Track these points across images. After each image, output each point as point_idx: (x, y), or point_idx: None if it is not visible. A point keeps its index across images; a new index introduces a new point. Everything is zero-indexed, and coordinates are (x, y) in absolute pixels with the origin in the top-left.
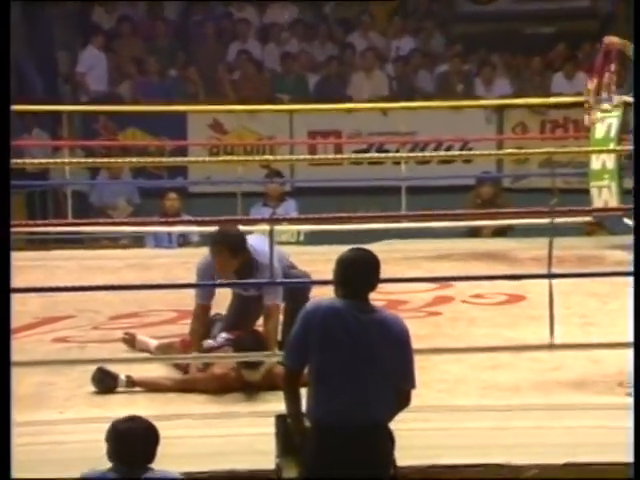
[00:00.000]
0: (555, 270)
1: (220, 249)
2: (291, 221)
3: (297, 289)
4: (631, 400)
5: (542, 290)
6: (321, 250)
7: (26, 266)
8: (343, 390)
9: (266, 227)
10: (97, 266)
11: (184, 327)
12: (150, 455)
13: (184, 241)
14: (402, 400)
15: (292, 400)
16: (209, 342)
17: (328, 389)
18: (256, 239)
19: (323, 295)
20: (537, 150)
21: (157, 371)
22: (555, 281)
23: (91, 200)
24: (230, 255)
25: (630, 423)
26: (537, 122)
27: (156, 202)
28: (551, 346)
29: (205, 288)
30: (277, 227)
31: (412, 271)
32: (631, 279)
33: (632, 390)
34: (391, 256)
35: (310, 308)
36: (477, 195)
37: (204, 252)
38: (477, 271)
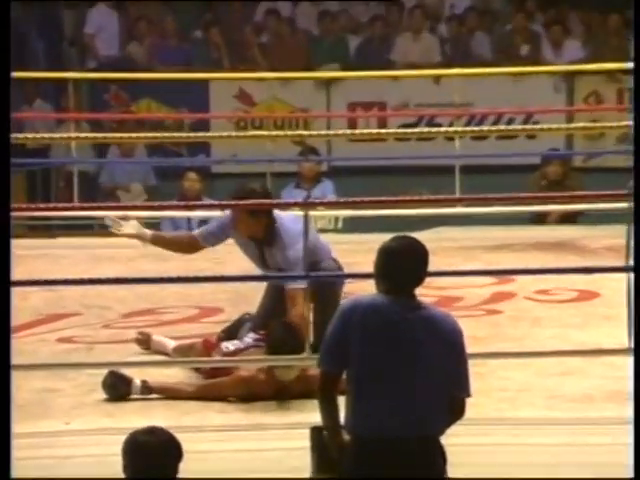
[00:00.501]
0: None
1: (240, 213)
2: (328, 205)
3: (326, 284)
4: None
5: (618, 285)
6: (362, 239)
7: (27, 255)
8: (387, 398)
9: (299, 212)
10: (108, 256)
11: (206, 326)
12: (172, 472)
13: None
14: (455, 410)
15: (328, 410)
16: (235, 342)
17: (369, 397)
18: (289, 215)
19: (363, 291)
20: (613, 124)
21: (176, 376)
22: (633, 275)
23: (100, 181)
24: (248, 214)
25: None
26: (613, 91)
27: (174, 183)
28: (629, 350)
29: (210, 226)
30: (312, 212)
31: (467, 263)
32: None
33: None
34: (442, 245)
35: (348, 305)
36: (543, 175)
37: (229, 241)
38: (542, 263)
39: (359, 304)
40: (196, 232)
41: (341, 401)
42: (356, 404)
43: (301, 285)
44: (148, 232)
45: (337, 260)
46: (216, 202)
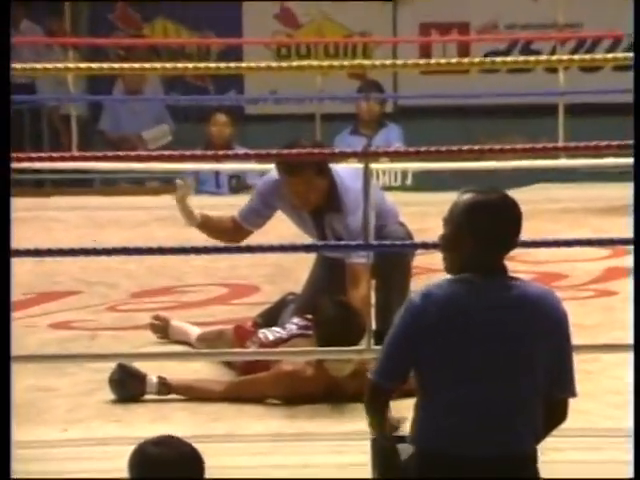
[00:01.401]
0: None
1: (301, 169)
2: (394, 156)
3: (392, 256)
4: None
5: None
6: (436, 198)
7: (13, 218)
8: (469, 405)
9: (358, 165)
10: (113, 219)
11: (239, 309)
12: None
13: (238, 184)
14: (555, 414)
15: (375, 421)
16: (275, 330)
17: (446, 403)
18: (346, 170)
19: (439, 265)
20: None
21: (201, 371)
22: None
23: (102, 126)
24: (315, 172)
25: None
26: None
27: (198, 128)
28: None
29: (252, 205)
30: (374, 165)
31: (572, 230)
32: None
33: None
34: (540, 208)
35: (418, 300)
36: None
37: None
38: None
39: (433, 297)
40: (236, 214)
41: (406, 404)
42: (427, 413)
43: (366, 260)
44: (198, 214)
45: (405, 225)
46: (251, 151)
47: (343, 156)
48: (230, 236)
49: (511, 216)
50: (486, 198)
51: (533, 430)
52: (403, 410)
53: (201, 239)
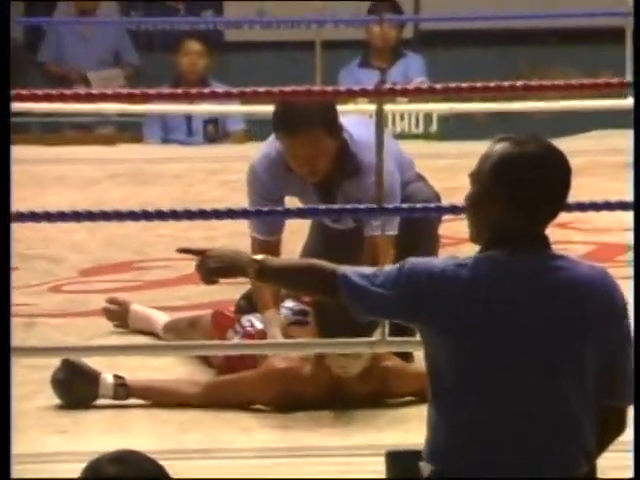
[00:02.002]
0: None
1: (309, 126)
2: (415, 94)
3: (414, 222)
4: None
5: None
6: (468, 149)
7: None
8: (497, 416)
9: (369, 106)
10: (55, 176)
11: (218, 290)
12: None
13: (216, 131)
14: (608, 426)
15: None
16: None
17: (466, 414)
18: (355, 121)
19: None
20: None
21: (169, 369)
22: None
23: (43, 57)
24: (325, 131)
25: None
26: None
27: (165, 59)
28: None
29: (266, 216)
30: (389, 106)
31: None
32: None
33: None
34: (600, 161)
35: (425, 274)
36: None
37: (259, 147)
38: None
39: (447, 277)
40: (253, 232)
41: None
42: (442, 425)
43: (393, 232)
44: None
45: (427, 181)
46: (232, 89)
47: (350, 95)
48: None
49: (556, 171)
50: (523, 148)
51: (582, 448)
52: (413, 419)
53: (168, 201)
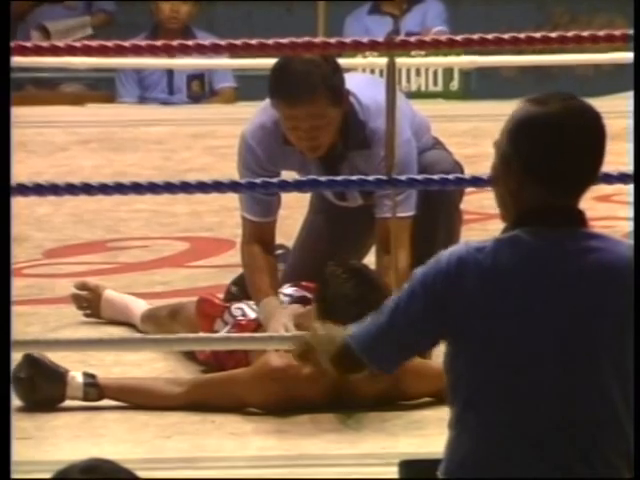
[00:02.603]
0: None
1: (311, 95)
2: (433, 46)
3: (438, 197)
4: None
5: None
6: (495, 110)
7: None
8: (524, 420)
9: (379, 60)
10: (17, 141)
11: (204, 273)
12: None
13: (201, 89)
14: None
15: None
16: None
17: (488, 418)
18: (362, 82)
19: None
20: None
21: (149, 365)
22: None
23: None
24: (330, 101)
25: None
26: None
27: (141, 5)
28: None
29: (259, 189)
30: (402, 59)
31: None
32: None
33: None
34: None
35: (446, 262)
36: None
37: (252, 112)
38: None
39: (470, 262)
40: (245, 213)
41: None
42: (463, 431)
43: (411, 212)
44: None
45: (445, 146)
46: (219, 40)
47: (357, 48)
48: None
49: (582, 135)
50: (543, 108)
51: (625, 455)
52: (430, 424)
53: (148, 173)
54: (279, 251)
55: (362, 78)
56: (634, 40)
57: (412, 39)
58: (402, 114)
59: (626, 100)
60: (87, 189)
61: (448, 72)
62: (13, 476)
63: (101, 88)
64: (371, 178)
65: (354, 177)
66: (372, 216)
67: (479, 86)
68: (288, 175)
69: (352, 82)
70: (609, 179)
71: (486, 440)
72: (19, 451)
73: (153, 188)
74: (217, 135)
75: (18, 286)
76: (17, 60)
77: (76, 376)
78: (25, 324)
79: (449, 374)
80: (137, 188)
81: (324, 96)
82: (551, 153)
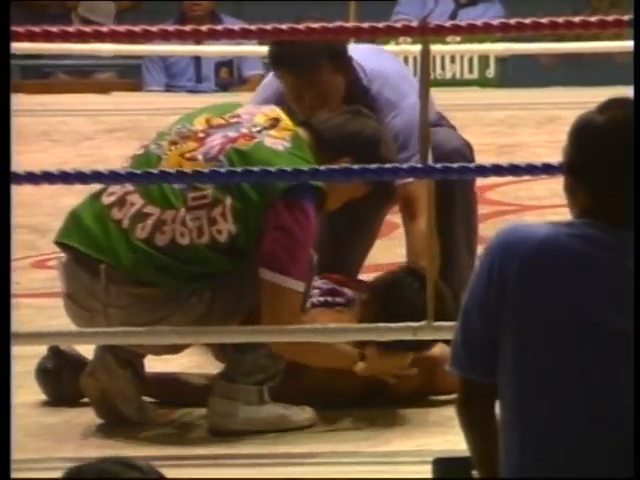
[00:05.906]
0: None
1: (314, 62)
2: (467, 31)
3: (448, 181)
4: None
5: None
6: (532, 98)
7: None
8: (581, 422)
9: (412, 47)
10: (42, 130)
11: None
12: None
13: (230, 77)
14: None
15: (477, 437)
16: None
17: (541, 421)
18: (365, 51)
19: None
20: None
21: (174, 359)
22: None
23: None
24: (334, 67)
25: None
26: None
27: None
28: None
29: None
30: (437, 47)
31: None
32: None
33: None
34: None
35: (507, 240)
36: None
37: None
38: None
39: (526, 240)
40: None
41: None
42: (515, 434)
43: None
44: None
45: (449, 122)
46: (248, 25)
47: (389, 33)
48: None
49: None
50: (598, 115)
51: None
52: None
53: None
54: None
55: (366, 47)
56: (634, 38)
57: (447, 24)
58: (406, 80)
59: None
60: (114, 177)
61: (484, 59)
62: (41, 472)
63: (128, 76)
64: (405, 166)
65: (388, 165)
66: (375, 205)
67: (516, 74)
68: None
69: (357, 51)
70: None
71: (542, 442)
72: (46, 447)
73: (181, 178)
74: None
75: (42, 278)
76: (44, 47)
77: None
78: (48, 317)
79: (501, 373)
80: (164, 177)
81: (328, 63)
82: (602, 158)
